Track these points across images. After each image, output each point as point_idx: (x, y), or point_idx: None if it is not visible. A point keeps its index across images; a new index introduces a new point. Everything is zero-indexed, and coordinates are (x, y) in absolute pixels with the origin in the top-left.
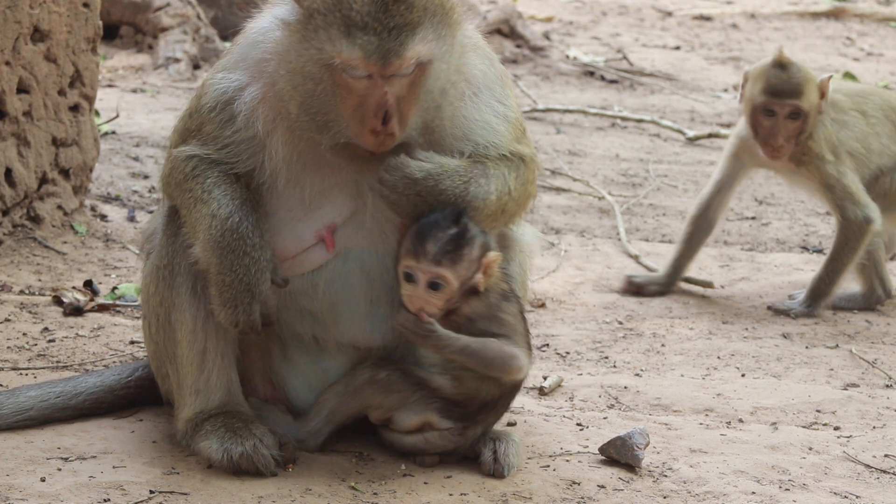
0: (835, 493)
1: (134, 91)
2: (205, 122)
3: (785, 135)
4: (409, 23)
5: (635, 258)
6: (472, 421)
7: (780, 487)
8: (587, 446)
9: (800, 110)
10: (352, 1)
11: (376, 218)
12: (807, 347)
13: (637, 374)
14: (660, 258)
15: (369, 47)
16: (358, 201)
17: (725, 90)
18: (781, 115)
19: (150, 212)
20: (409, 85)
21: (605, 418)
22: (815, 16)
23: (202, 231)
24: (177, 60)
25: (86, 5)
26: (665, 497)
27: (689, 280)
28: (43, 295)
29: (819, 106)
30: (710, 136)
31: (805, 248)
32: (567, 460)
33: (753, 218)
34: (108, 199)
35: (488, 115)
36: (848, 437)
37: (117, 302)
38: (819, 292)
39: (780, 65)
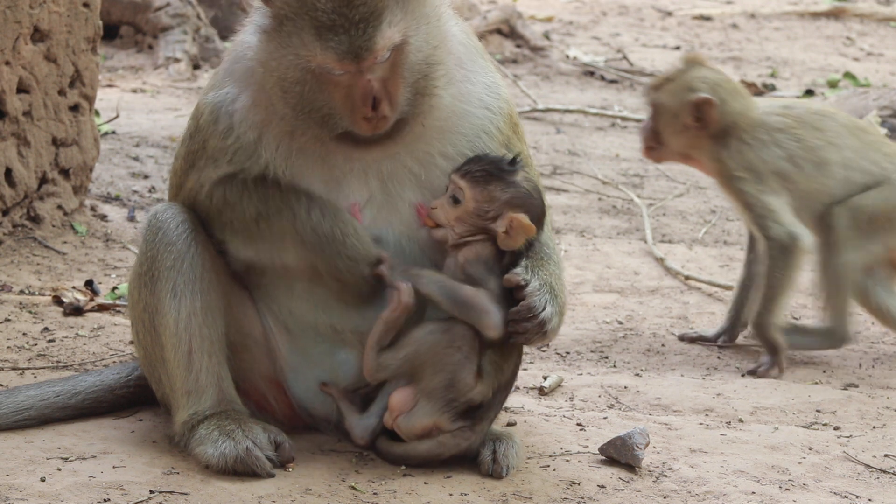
0: (835, 493)
1: (134, 91)
2: (207, 138)
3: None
4: (374, 11)
5: (661, 261)
6: (479, 417)
7: (780, 487)
8: (587, 446)
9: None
10: (316, 1)
11: (392, 201)
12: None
13: (637, 374)
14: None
15: (341, 48)
16: (370, 186)
17: None
18: None
19: None
20: (390, 67)
21: (605, 418)
22: (815, 16)
23: (289, 237)
24: (177, 60)
25: (86, 5)
26: (665, 497)
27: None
28: (43, 295)
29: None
30: None
31: None
32: (567, 460)
33: None
34: (108, 199)
35: (477, 105)
36: (848, 437)
37: (117, 302)
38: (761, 327)
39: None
